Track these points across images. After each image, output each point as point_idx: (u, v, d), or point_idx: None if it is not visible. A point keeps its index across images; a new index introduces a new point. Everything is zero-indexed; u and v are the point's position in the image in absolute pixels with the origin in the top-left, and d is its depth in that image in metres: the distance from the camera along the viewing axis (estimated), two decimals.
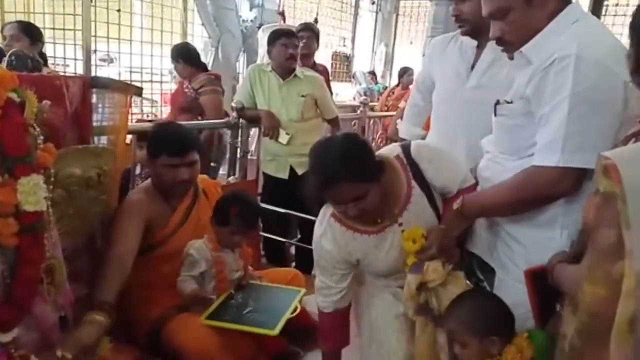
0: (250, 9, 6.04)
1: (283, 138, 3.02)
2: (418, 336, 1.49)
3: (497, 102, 1.43)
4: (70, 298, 1.44)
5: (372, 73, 8.37)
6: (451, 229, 1.48)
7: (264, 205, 2.92)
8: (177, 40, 5.08)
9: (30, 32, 3.08)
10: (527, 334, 1.30)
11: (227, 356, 1.73)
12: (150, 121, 3.20)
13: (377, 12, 8.74)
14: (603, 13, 5.02)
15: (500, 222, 1.46)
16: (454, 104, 1.90)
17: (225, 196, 2.07)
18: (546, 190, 1.29)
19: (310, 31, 3.69)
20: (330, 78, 4.57)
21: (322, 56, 6.13)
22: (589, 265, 0.96)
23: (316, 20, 6.75)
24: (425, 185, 1.52)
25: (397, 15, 8.98)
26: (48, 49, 4.11)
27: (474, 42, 1.86)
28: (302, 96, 3.06)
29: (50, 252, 1.29)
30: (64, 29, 4.59)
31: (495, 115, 1.45)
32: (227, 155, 3.28)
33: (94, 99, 1.80)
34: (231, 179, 3.09)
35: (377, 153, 1.56)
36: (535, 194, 1.31)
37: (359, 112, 4.64)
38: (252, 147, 3.59)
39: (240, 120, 3.09)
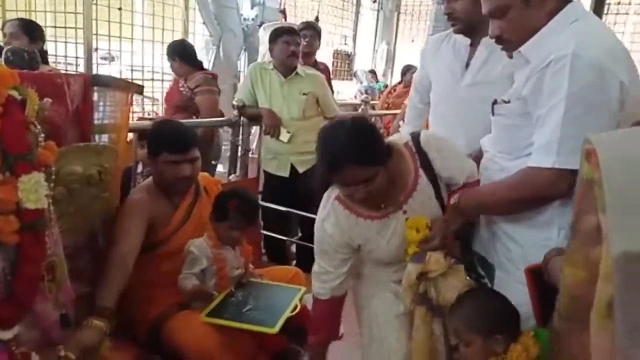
0: (252, 7, 6.04)
1: (284, 136, 3.02)
2: (418, 326, 1.49)
3: (495, 102, 1.43)
4: (72, 296, 1.44)
5: (373, 72, 8.36)
6: (449, 222, 1.49)
7: (264, 203, 2.92)
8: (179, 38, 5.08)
9: (30, 30, 3.07)
10: (534, 332, 1.27)
11: (227, 354, 1.73)
12: (151, 119, 3.19)
13: (378, 10, 8.74)
14: (605, 12, 5.01)
15: (498, 222, 1.47)
16: (451, 102, 1.91)
17: (224, 191, 2.07)
18: (542, 191, 1.29)
19: (312, 30, 3.69)
20: (332, 76, 4.58)
21: (323, 54, 6.12)
22: (570, 249, 0.97)
23: (317, 19, 6.75)
24: (432, 175, 1.53)
25: (399, 13, 8.98)
26: (49, 47, 4.10)
27: (467, 40, 1.86)
28: (304, 94, 3.06)
29: (51, 249, 1.29)
30: (65, 27, 4.58)
31: (493, 114, 1.45)
32: (228, 155, 3.28)
33: (95, 97, 1.80)
34: (232, 177, 3.10)
35: (386, 139, 1.56)
36: (531, 195, 1.32)
37: (360, 110, 4.66)
38: (253, 146, 3.60)
39: (241, 118, 3.09)
